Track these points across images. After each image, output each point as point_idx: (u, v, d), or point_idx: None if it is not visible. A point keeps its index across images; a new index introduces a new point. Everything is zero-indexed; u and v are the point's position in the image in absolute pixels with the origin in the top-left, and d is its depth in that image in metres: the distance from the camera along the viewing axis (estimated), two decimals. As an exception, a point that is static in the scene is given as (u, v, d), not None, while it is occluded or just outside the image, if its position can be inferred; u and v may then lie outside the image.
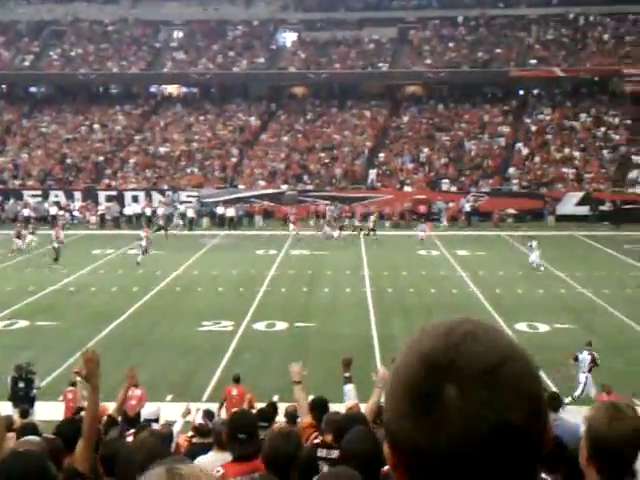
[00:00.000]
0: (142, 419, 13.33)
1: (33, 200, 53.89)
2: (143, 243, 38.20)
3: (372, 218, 46.89)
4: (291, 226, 46.70)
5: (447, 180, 54.53)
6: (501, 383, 1.30)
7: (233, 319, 27.43)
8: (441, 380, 1.30)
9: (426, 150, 57.98)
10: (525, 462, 1.32)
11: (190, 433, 11.16)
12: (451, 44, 65.94)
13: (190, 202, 52.53)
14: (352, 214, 50.93)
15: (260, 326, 26.83)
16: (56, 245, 38.40)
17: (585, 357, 19.15)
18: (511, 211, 50.82)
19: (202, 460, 7.45)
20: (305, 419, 8.62)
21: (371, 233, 45.26)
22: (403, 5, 69.56)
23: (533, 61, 62.93)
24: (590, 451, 3.25)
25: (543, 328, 25.71)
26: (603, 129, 58.23)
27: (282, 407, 13.01)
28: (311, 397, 9.51)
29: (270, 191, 53.85)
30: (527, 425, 1.30)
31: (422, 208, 51.44)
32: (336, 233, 45.23)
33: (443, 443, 1.27)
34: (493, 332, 1.36)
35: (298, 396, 8.98)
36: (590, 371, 19.08)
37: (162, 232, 45.57)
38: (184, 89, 68.92)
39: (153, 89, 69.04)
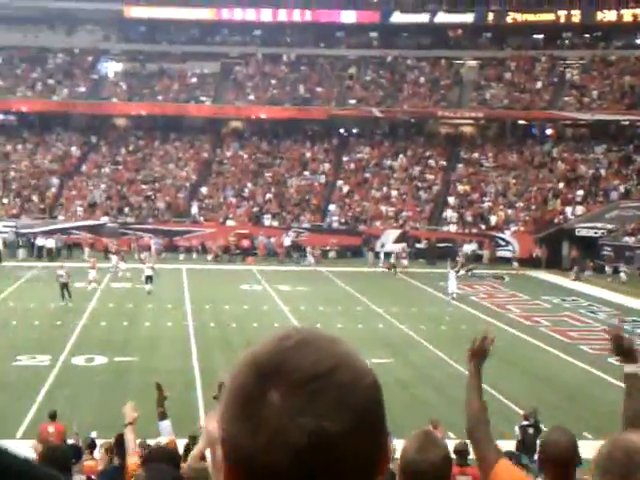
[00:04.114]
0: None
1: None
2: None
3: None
4: (113, 259, 45.53)
5: (269, 215, 55.13)
6: (324, 392, 1.28)
7: (50, 353, 26.74)
8: (266, 385, 1.29)
9: (249, 185, 58.46)
10: (350, 476, 1.30)
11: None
12: (273, 81, 66.82)
13: (6, 233, 51.03)
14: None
15: (79, 360, 26.27)
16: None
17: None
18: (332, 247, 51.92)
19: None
20: (132, 460, 8.65)
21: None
22: (226, 40, 70.05)
23: (352, 101, 64.55)
24: (401, 476, 3.47)
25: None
26: (419, 169, 60.25)
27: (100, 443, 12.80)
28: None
29: (90, 222, 52.99)
30: (348, 436, 1.28)
31: (245, 243, 51.84)
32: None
33: (261, 447, 1.27)
34: (329, 341, 1.35)
35: (128, 437, 8.96)
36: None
37: None
38: (1, 116, 66.80)
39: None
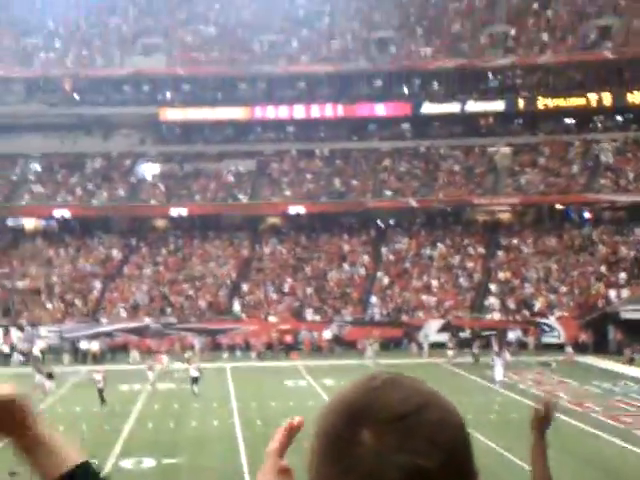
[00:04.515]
0: None
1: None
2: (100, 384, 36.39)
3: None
4: (164, 359, 45.36)
5: (311, 309, 55.12)
6: (416, 429, 1.29)
7: (98, 458, 26.60)
8: (356, 425, 1.30)
9: (289, 280, 58.62)
10: None
11: None
12: (309, 176, 67.45)
13: (50, 337, 51.49)
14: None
15: (127, 464, 26.17)
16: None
17: None
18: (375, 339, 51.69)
19: None
20: None
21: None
22: (261, 138, 70.99)
23: (388, 192, 64.90)
24: None
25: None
26: (458, 257, 60.16)
27: None
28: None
29: (133, 324, 53.26)
30: (441, 474, 1.28)
31: (288, 338, 51.80)
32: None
33: None
34: (414, 381, 1.37)
35: None
36: None
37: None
38: (43, 222, 67.85)
39: (10, 223, 67.55)
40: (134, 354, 49.40)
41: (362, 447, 1.28)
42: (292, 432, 1.49)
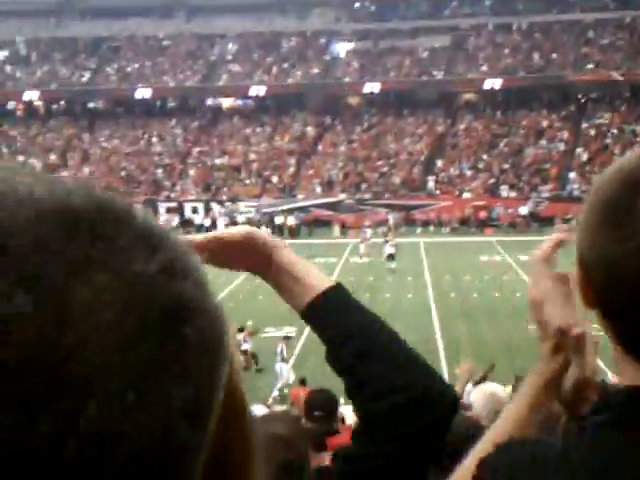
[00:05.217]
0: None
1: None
2: None
3: None
4: (368, 232, 44.86)
5: (506, 186, 54.18)
6: None
7: (295, 325, 27.35)
8: (636, 194, 1.19)
9: (484, 157, 57.66)
10: None
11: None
12: (506, 51, 65.53)
13: (249, 212, 52.99)
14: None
15: (319, 332, 26.74)
16: None
17: None
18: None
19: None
20: None
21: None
22: (456, 13, 69.26)
23: (590, 66, 62.28)
24: None
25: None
26: (665, 133, 57.51)
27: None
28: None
29: (328, 200, 53.91)
30: None
31: (482, 214, 51.26)
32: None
33: (631, 254, 1.18)
34: None
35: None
36: None
37: None
38: (240, 102, 69.15)
39: (209, 102, 69.26)
40: (336, 228, 50.21)
41: None
42: (559, 243, 1.54)
